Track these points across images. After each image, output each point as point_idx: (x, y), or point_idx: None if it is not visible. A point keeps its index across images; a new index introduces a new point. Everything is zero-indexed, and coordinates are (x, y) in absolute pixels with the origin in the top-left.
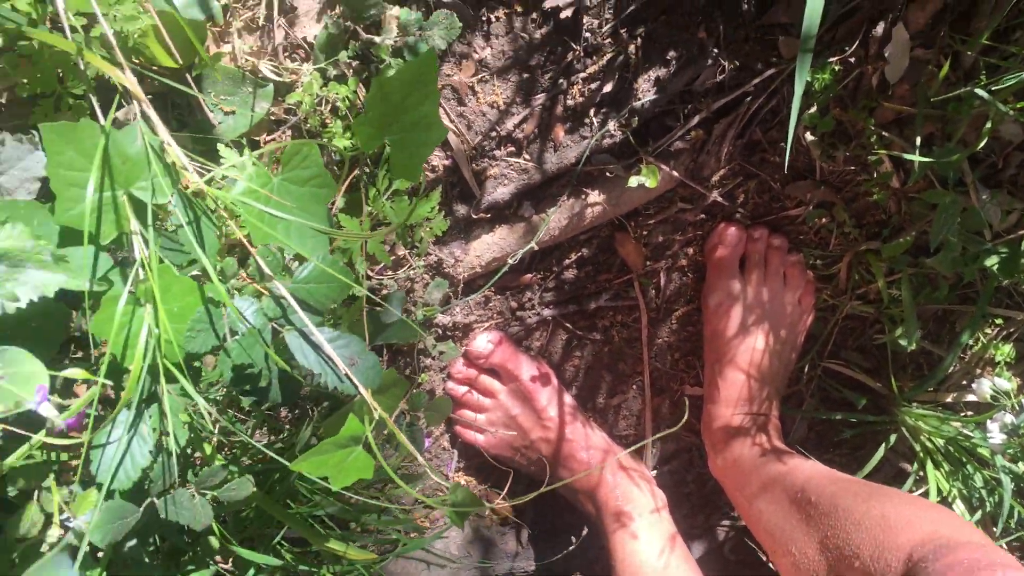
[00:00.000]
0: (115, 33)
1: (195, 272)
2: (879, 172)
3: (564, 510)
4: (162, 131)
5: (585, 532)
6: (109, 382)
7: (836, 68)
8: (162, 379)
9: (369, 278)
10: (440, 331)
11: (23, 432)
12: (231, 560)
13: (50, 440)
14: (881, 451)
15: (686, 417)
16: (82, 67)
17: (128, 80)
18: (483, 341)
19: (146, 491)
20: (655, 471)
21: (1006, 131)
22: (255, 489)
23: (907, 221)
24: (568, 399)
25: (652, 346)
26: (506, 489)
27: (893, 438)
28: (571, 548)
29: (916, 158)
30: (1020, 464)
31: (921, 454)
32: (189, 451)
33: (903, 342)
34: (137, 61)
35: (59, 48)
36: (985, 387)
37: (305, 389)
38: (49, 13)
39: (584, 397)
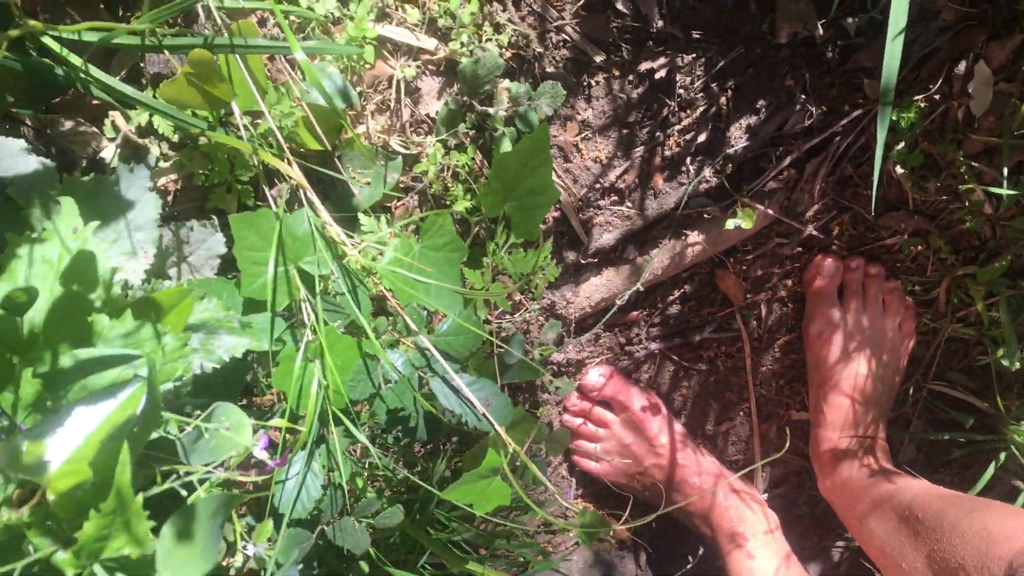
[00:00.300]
0: (277, 127)
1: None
2: (971, 201)
3: (680, 534)
4: (323, 213)
5: (701, 552)
6: (288, 425)
7: (922, 105)
8: (331, 423)
9: (488, 322)
10: (555, 368)
11: (242, 477)
12: None
13: (255, 479)
14: (991, 469)
15: (788, 442)
16: (254, 161)
17: (295, 173)
18: (595, 375)
19: (317, 520)
20: (766, 495)
21: None
22: (404, 517)
23: (1002, 246)
24: (678, 427)
25: (756, 374)
26: (627, 513)
27: (1003, 456)
28: (689, 567)
29: (1004, 191)
30: None
31: None
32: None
33: (1005, 362)
34: (288, 147)
35: (234, 145)
36: None
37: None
38: (219, 115)
39: (693, 425)
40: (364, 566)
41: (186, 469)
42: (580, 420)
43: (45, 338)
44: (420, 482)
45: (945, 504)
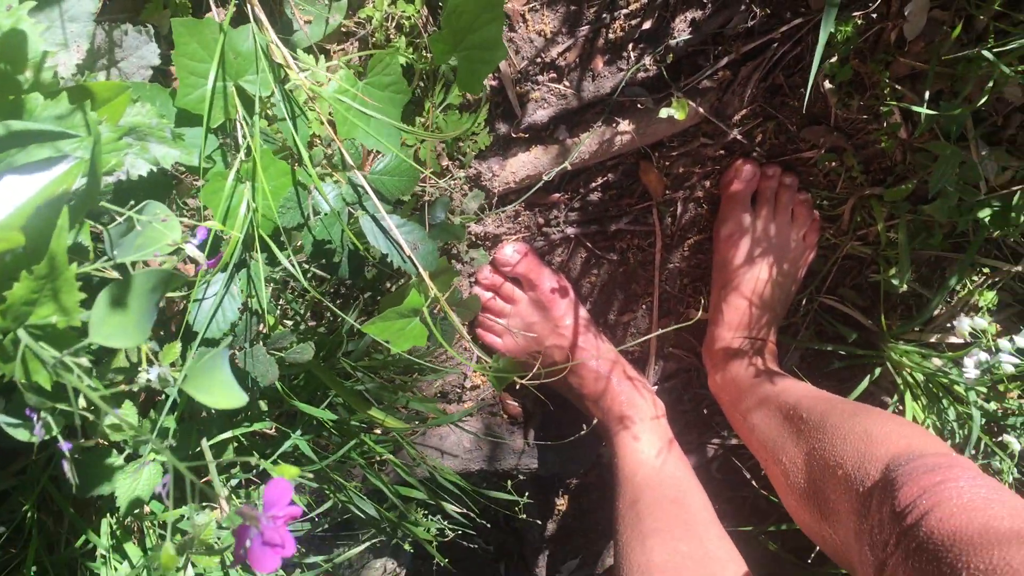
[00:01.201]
0: None
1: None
2: (889, 122)
3: (570, 415)
4: (270, 32)
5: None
6: (220, 227)
7: (859, 22)
8: (257, 247)
9: (422, 182)
10: (472, 239)
11: (180, 272)
12: (279, 417)
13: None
14: (865, 382)
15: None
16: None
17: None
18: (510, 251)
19: (230, 345)
20: (656, 387)
21: (1009, 93)
22: (314, 354)
23: (910, 170)
24: (583, 312)
25: (664, 270)
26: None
27: (878, 371)
28: (577, 437)
29: (923, 111)
30: (991, 403)
31: (902, 387)
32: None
33: (895, 282)
34: None
35: None
36: (965, 325)
37: (365, 272)
38: None
39: (597, 312)
40: (262, 404)
41: (118, 260)
42: (490, 294)
43: None
44: (341, 313)
45: (829, 406)
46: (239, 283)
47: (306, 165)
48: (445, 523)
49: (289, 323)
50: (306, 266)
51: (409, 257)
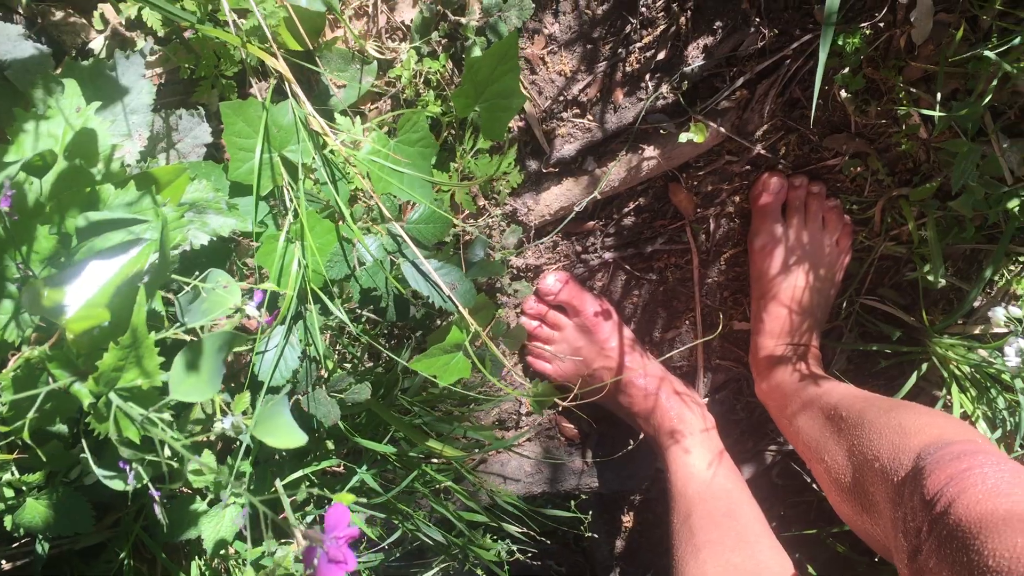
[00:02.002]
0: (264, 27)
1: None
2: (907, 125)
3: (624, 433)
4: (307, 105)
5: (633, 445)
6: (276, 288)
7: (867, 32)
8: (310, 299)
9: (455, 226)
10: (515, 272)
11: (239, 333)
12: (346, 455)
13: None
14: (913, 378)
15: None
16: (242, 55)
17: (280, 64)
18: (552, 280)
19: (293, 391)
20: (707, 399)
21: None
22: (371, 395)
23: (935, 168)
24: (627, 332)
25: (703, 285)
26: (571, 397)
27: (925, 367)
28: (626, 451)
29: (936, 113)
30: None
31: (949, 380)
32: (321, 358)
33: (931, 278)
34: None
35: (218, 39)
36: (1000, 314)
37: (413, 313)
38: (208, 9)
39: (642, 332)
40: (329, 444)
41: (188, 325)
42: (536, 323)
43: (52, 205)
44: (391, 353)
45: (866, 404)
46: (297, 333)
47: (348, 222)
48: (514, 546)
49: (348, 366)
50: (358, 312)
51: (448, 296)
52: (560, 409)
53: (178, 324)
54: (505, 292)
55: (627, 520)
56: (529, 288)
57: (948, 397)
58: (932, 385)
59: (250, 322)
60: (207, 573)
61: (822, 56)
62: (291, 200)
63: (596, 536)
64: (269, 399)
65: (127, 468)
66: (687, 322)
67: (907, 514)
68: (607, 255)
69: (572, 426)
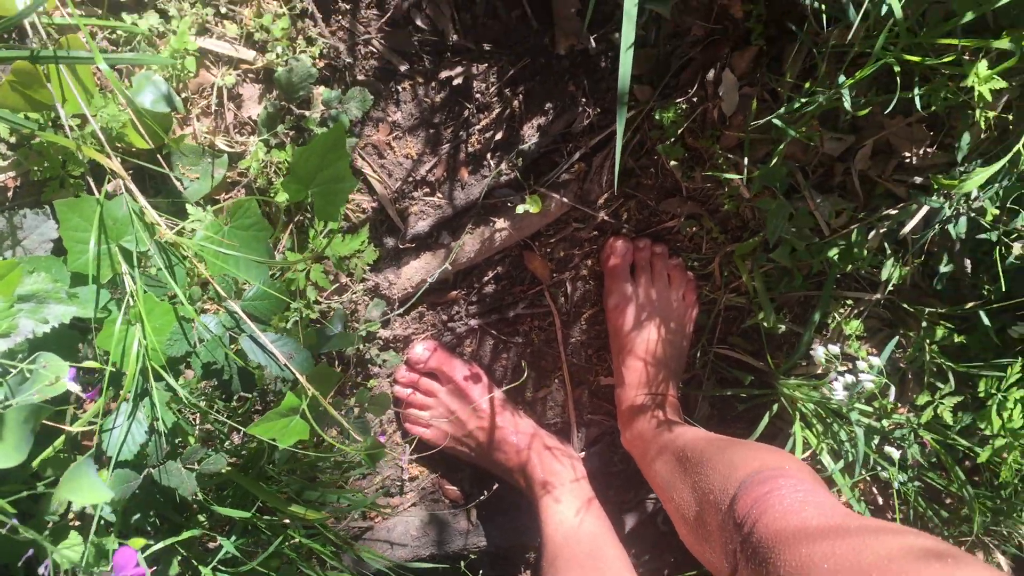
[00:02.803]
0: (102, 128)
1: (170, 299)
2: (729, 187)
3: (504, 490)
4: (141, 199)
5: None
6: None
7: (683, 106)
8: (151, 377)
9: (319, 303)
10: (383, 343)
11: (55, 425)
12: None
13: (74, 429)
14: (766, 419)
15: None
16: (80, 157)
17: (115, 165)
18: (420, 348)
19: (144, 464)
20: (583, 453)
21: (828, 147)
22: (228, 465)
23: (760, 225)
24: (498, 394)
25: (567, 345)
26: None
27: (775, 407)
28: (518, 510)
29: (740, 176)
30: (883, 421)
31: (795, 417)
32: (177, 440)
33: (767, 324)
34: (120, 146)
35: (62, 143)
36: (820, 353)
37: (264, 384)
38: (51, 116)
39: (514, 393)
40: (200, 518)
41: (13, 403)
42: (409, 390)
43: None
44: (232, 423)
45: (707, 444)
46: (144, 410)
47: (184, 303)
48: None
49: (214, 440)
50: (205, 386)
51: (285, 365)
52: (441, 472)
53: (4, 403)
54: (375, 363)
55: None
56: (398, 358)
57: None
58: (787, 424)
59: (87, 403)
60: None
61: (619, 130)
62: (130, 285)
63: None
64: (120, 474)
65: None
66: (556, 380)
67: (727, 538)
68: (473, 322)
69: (455, 488)
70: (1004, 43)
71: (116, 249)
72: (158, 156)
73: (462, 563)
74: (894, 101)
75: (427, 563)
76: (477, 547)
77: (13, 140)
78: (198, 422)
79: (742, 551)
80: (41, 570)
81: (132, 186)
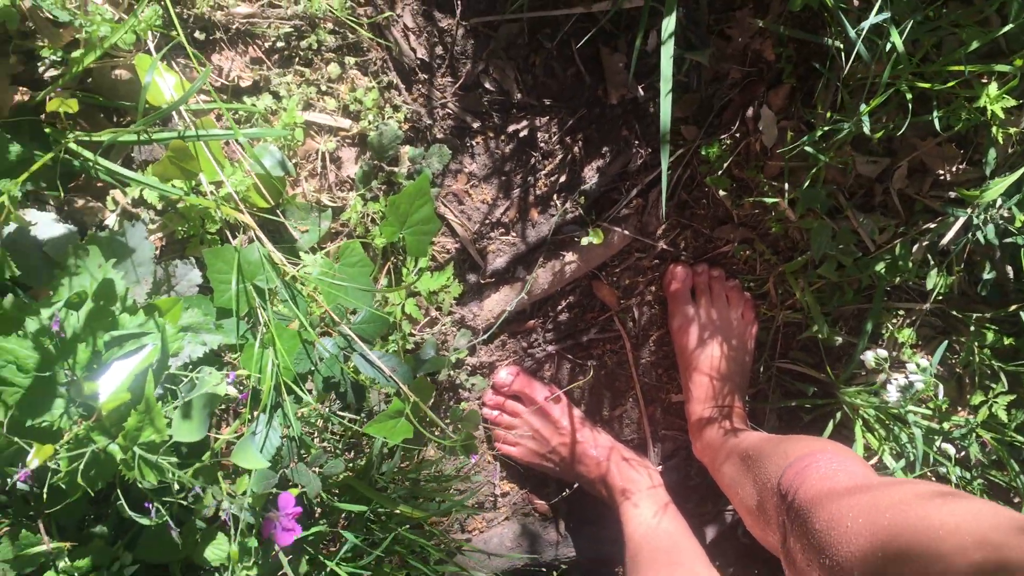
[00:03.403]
0: (233, 191)
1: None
2: (776, 211)
3: (588, 501)
4: (268, 244)
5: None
6: (256, 374)
7: (727, 142)
8: (283, 390)
9: (413, 335)
10: (471, 369)
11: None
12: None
13: (225, 436)
14: (830, 427)
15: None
16: (216, 215)
17: (246, 217)
18: (504, 374)
19: (279, 465)
20: (660, 467)
21: (864, 170)
22: (346, 468)
23: (808, 245)
24: (577, 412)
25: (638, 366)
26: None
27: (839, 415)
28: (605, 521)
29: (768, 198)
30: (942, 424)
31: (857, 423)
32: (301, 450)
33: (820, 336)
34: (243, 206)
35: (203, 206)
36: (870, 357)
37: (370, 398)
38: (192, 185)
39: (592, 412)
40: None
41: (184, 400)
42: (496, 412)
43: (86, 330)
44: (349, 425)
45: (766, 442)
46: (278, 419)
47: (307, 328)
48: None
49: (331, 445)
50: (330, 410)
51: (390, 377)
52: (530, 487)
53: (179, 400)
54: (465, 387)
55: None
56: (484, 382)
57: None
58: (850, 431)
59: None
60: None
61: (664, 165)
62: (263, 316)
63: None
64: (261, 472)
65: (150, 507)
66: (630, 399)
67: (777, 512)
68: (550, 348)
69: (543, 502)
70: (1003, 67)
71: (251, 287)
72: (277, 212)
73: (555, 573)
74: (905, 124)
75: (523, 574)
76: (568, 557)
77: (159, 207)
78: (317, 437)
79: (788, 518)
80: None
81: (261, 234)
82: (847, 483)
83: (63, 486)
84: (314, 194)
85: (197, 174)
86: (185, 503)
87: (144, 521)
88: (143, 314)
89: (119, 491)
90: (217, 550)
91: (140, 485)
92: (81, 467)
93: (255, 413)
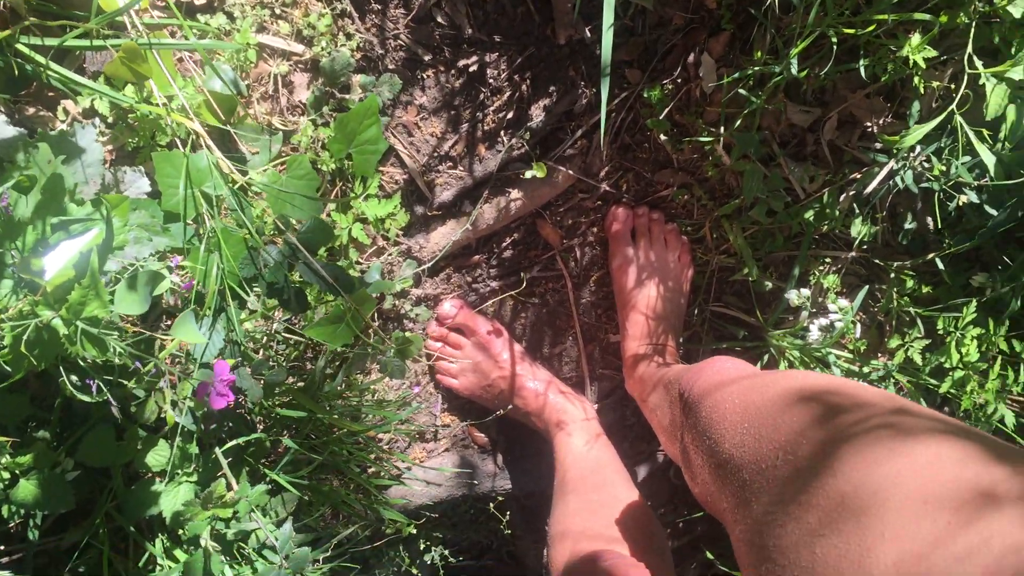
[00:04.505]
0: (186, 105)
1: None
2: (712, 156)
3: (525, 433)
4: (217, 152)
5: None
6: (194, 265)
7: (669, 87)
8: (227, 294)
9: (359, 263)
10: (416, 300)
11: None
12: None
13: (167, 338)
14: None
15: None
16: (167, 127)
17: (197, 126)
18: (448, 306)
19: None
20: (597, 405)
21: (796, 119)
22: (289, 377)
23: (741, 190)
24: (517, 347)
25: (579, 305)
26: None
27: (766, 358)
28: (541, 455)
29: (710, 139)
30: (864, 367)
31: (783, 365)
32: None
33: (751, 278)
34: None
35: (153, 116)
36: (792, 296)
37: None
38: (144, 96)
39: (532, 349)
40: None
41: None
42: (439, 344)
43: (35, 216)
44: (294, 332)
45: (685, 368)
46: (221, 324)
47: (253, 235)
48: (446, 551)
49: (275, 356)
50: (274, 329)
51: (332, 284)
52: (471, 419)
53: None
54: (409, 317)
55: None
56: (428, 313)
57: None
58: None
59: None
60: (168, 544)
61: (603, 99)
62: (210, 222)
63: (522, 540)
64: (202, 372)
65: (92, 383)
66: (570, 338)
67: (678, 420)
68: (493, 283)
69: (482, 435)
70: (923, 15)
71: (199, 193)
72: (228, 129)
73: (491, 504)
74: (827, 67)
75: (460, 503)
76: (504, 489)
77: (111, 119)
78: (261, 353)
79: (683, 415)
80: None
81: (211, 142)
82: (735, 375)
83: (7, 367)
84: (265, 116)
85: (148, 78)
86: (125, 382)
87: (85, 398)
88: (90, 205)
89: (62, 369)
90: (158, 456)
91: (82, 364)
92: (24, 338)
93: (200, 314)
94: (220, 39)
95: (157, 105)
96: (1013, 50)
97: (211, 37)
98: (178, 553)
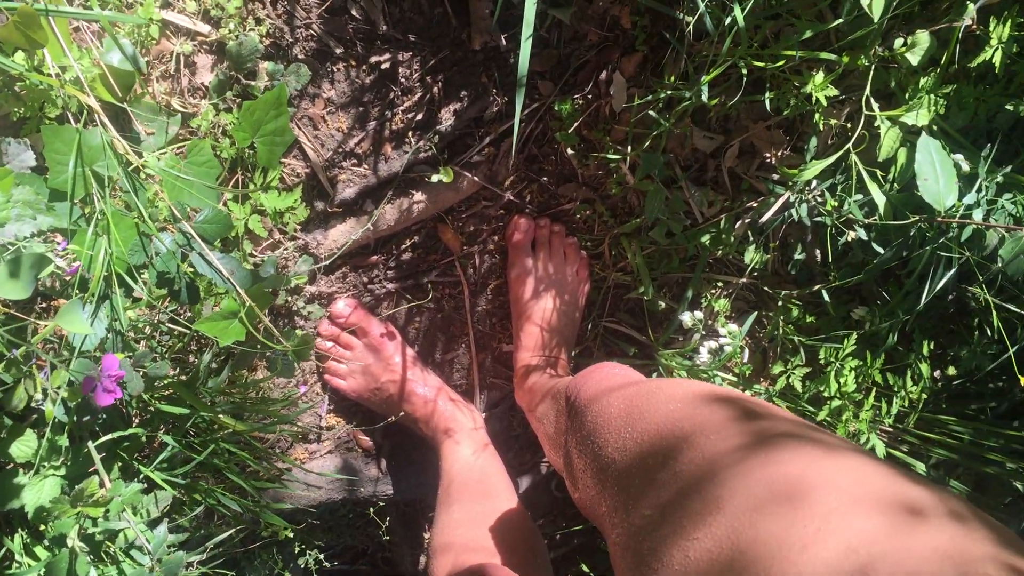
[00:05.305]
0: (77, 77)
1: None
2: (617, 174)
3: (412, 440)
4: (112, 131)
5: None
6: (80, 250)
7: (579, 102)
8: (114, 281)
9: (254, 255)
10: (309, 297)
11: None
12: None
13: (42, 323)
14: None
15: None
16: (58, 98)
17: (91, 101)
18: (342, 305)
19: (101, 358)
20: (485, 414)
21: (700, 144)
22: (172, 370)
23: (643, 210)
24: (410, 351)
25: (474, 312)
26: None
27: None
28: (426, 463)
29: (611, 156)
30: (747, 390)
31: None
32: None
33: (646, 297)
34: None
35: (43, 86)
36: (686, 318)
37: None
38: (34, 64)
39: (424, 354)
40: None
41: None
42: (331, 344)
43: None
44: (182, 325)
45: (573, 380)
46: (105, 311)
47: (146, 220)
48: (321, 555)
49: (160, 348)
50: (159, 320)
51: (228, 278)
52: (356, 423)
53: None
54: (301, 315)
55: (428, 534)
56: (322, 311)
57: None
58: None
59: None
60: (29, 540)
61: (517, 110)
62: (99, 203)
63: (399, 547)
64: (81, 362)
65: None
66: (463, 345)
67: (563, 421)
68: (390, 285)
69: (367, 438)
70: (829, 55)
71: (90, 172)
72: (123, 107)
73: (371, 510)
74: (736, 98)
75: (339, 507)
76: (386, 495)
77: None
78: (144, 344)
79: (568, 421)
80: None
81: (106, 119)
82: (622, 380)
83: None
84: (164, 96)
85: (43, 46)
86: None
87: None
88: None
89: None
90: (24, 446)
91: None
92: None
93: (83, 299)
94: (122, 11)
95: (49, 75)
96: (907, 95)
97: (112, 8)
98: (38, 550)
